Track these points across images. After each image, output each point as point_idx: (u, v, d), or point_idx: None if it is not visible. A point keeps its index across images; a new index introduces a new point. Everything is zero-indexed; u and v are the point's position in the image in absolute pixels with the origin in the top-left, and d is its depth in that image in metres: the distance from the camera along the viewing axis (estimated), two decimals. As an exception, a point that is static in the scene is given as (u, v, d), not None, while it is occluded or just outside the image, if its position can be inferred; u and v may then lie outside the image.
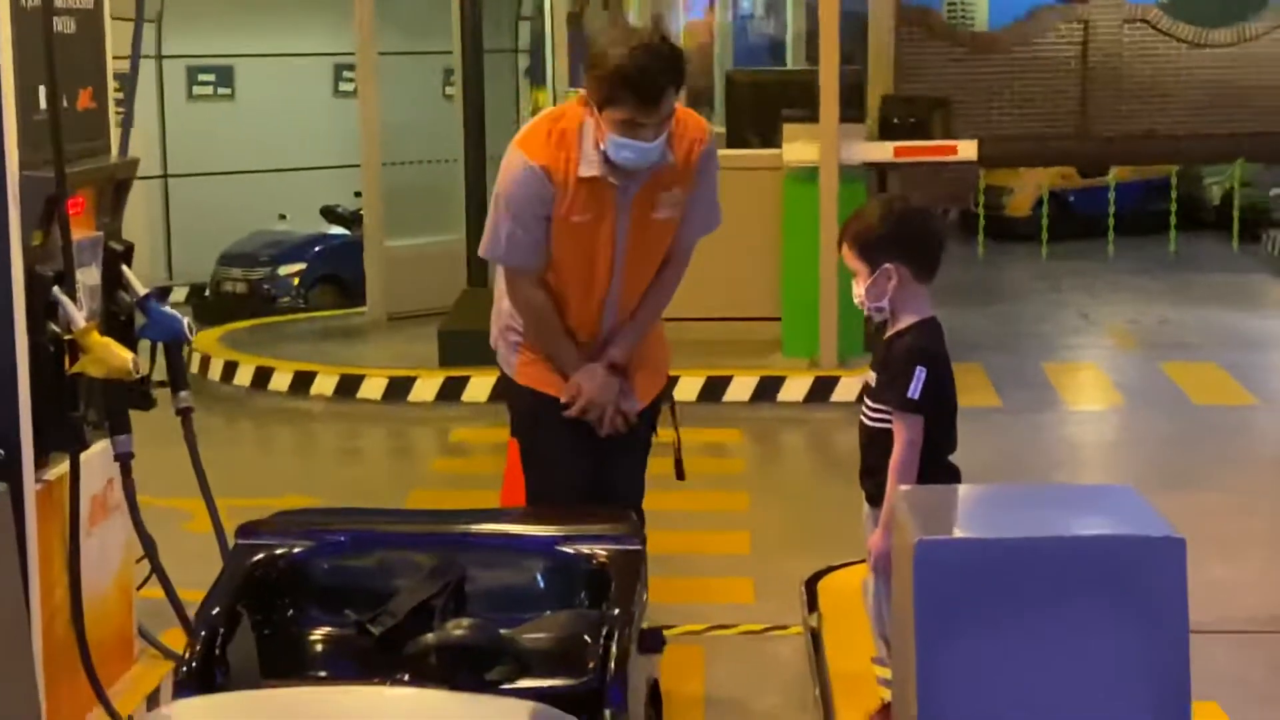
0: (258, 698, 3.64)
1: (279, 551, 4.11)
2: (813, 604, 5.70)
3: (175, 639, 5.24)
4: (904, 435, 4.30)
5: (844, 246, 4.45)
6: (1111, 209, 14.09)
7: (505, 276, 4.93)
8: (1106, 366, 11.60)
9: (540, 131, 4.80)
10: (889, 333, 4.46)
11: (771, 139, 11.31)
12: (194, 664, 3.70)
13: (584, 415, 4.84)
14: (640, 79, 4.59)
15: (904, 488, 3.99)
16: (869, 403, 4.47)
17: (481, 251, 4.93)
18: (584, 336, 4.94)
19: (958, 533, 3.64)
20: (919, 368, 4.29)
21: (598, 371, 4.87)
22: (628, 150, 4.67)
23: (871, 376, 4.50)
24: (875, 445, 4.43)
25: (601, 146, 4.70)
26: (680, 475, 5.18)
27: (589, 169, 4.73)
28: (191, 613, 4.94)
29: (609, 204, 4.80)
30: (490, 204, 4.91)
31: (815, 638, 5.41)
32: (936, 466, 4.36)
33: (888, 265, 4.35)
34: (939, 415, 4.35)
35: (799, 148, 10.80)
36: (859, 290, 4.42)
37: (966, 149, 11.05)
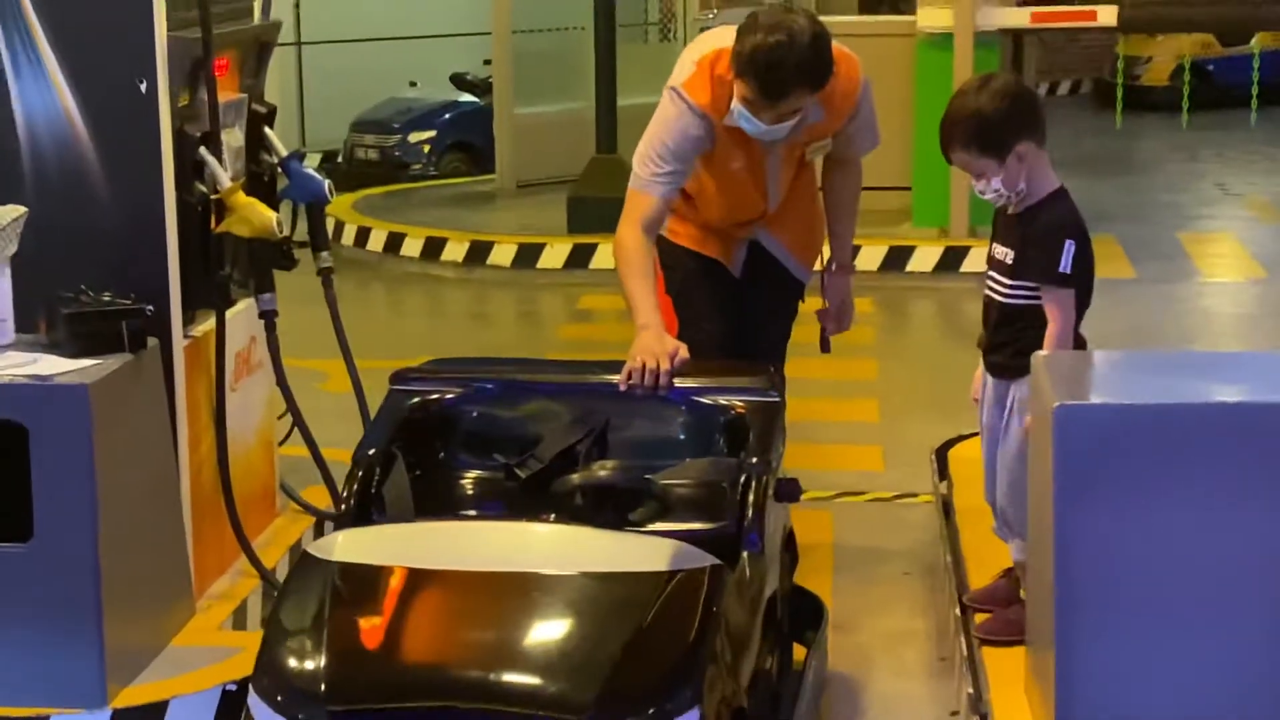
0: (415, 529, 3.79)
1: (432, 396, 4.21)
2: (943, 472, 5.72)
3: (316, 495, 5.37)
4: (1059, 310, 4.15)
5: (955, 153, 4.25)
6: (1255, 77, 13.71)
7: (629, 197, 4.79)
8: (1244, 238, 11.36)
9: (704, 77, 4.70)
10: (1021, 207, 4.30)
11: (903, 5, 11.13)
12: (352, 501, 3.82)
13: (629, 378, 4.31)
14: (767, 75, 4.49)
15: (1040, 353, 3.95)
16: (1002, 279, 4.31)
17: (632, 182, 4.78)
18: (746, 216, 5.01)
19: (1097, 398, 3.62)
20: (1068, 241, 4.16)
21: (653, 334, 4.47)
22: (747, 123, 4.66)
23: (1000, 251, 4.34)
24: (1009, 322, 4.28)
25: (734, 105, 4.66)
26: (825, 348, 5.29)
27: (732, 120, 4.69)
28: (333, 469, 5.06)
29: (757, 150, 4.82)
30: (644, 137, 4.77)
31: (946, 505, 5.43)
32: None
33: (1019, 147, 4.23)
34: (1084, 286, 4.27)
35: (933, 13, 10.61)
36: (990, 185, 4.22)
37: (1106, 14, 10.75)
